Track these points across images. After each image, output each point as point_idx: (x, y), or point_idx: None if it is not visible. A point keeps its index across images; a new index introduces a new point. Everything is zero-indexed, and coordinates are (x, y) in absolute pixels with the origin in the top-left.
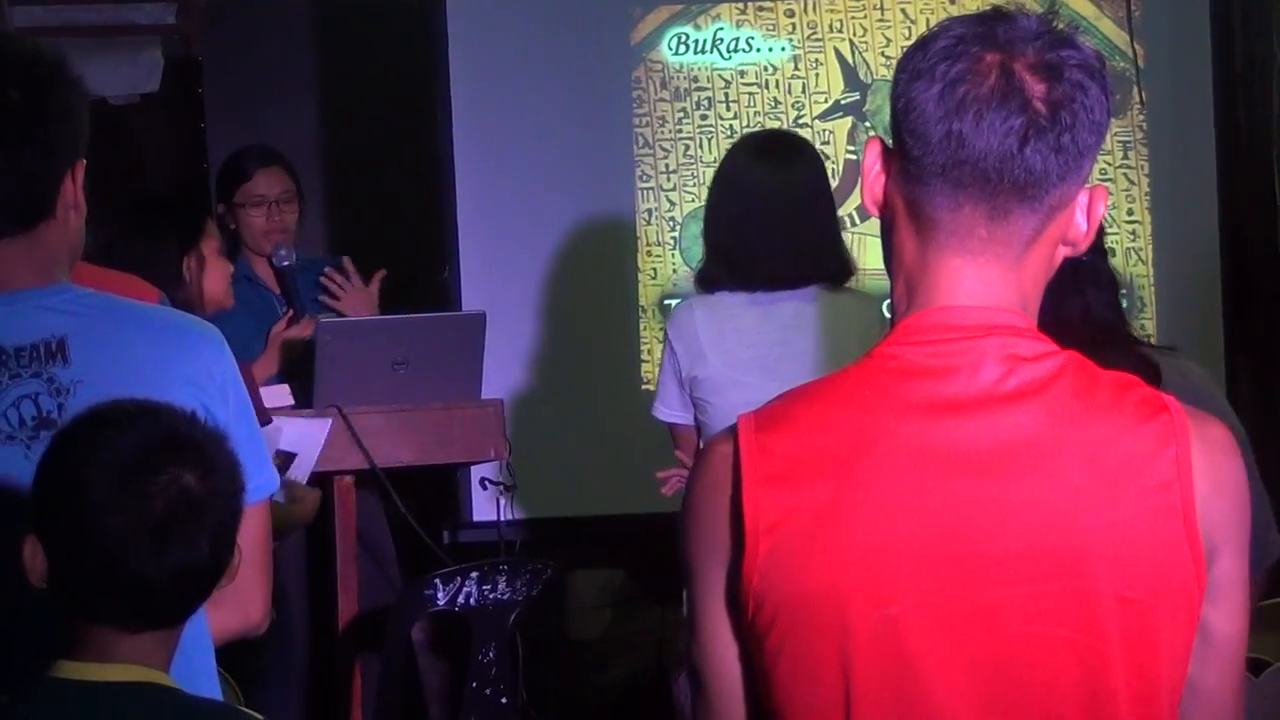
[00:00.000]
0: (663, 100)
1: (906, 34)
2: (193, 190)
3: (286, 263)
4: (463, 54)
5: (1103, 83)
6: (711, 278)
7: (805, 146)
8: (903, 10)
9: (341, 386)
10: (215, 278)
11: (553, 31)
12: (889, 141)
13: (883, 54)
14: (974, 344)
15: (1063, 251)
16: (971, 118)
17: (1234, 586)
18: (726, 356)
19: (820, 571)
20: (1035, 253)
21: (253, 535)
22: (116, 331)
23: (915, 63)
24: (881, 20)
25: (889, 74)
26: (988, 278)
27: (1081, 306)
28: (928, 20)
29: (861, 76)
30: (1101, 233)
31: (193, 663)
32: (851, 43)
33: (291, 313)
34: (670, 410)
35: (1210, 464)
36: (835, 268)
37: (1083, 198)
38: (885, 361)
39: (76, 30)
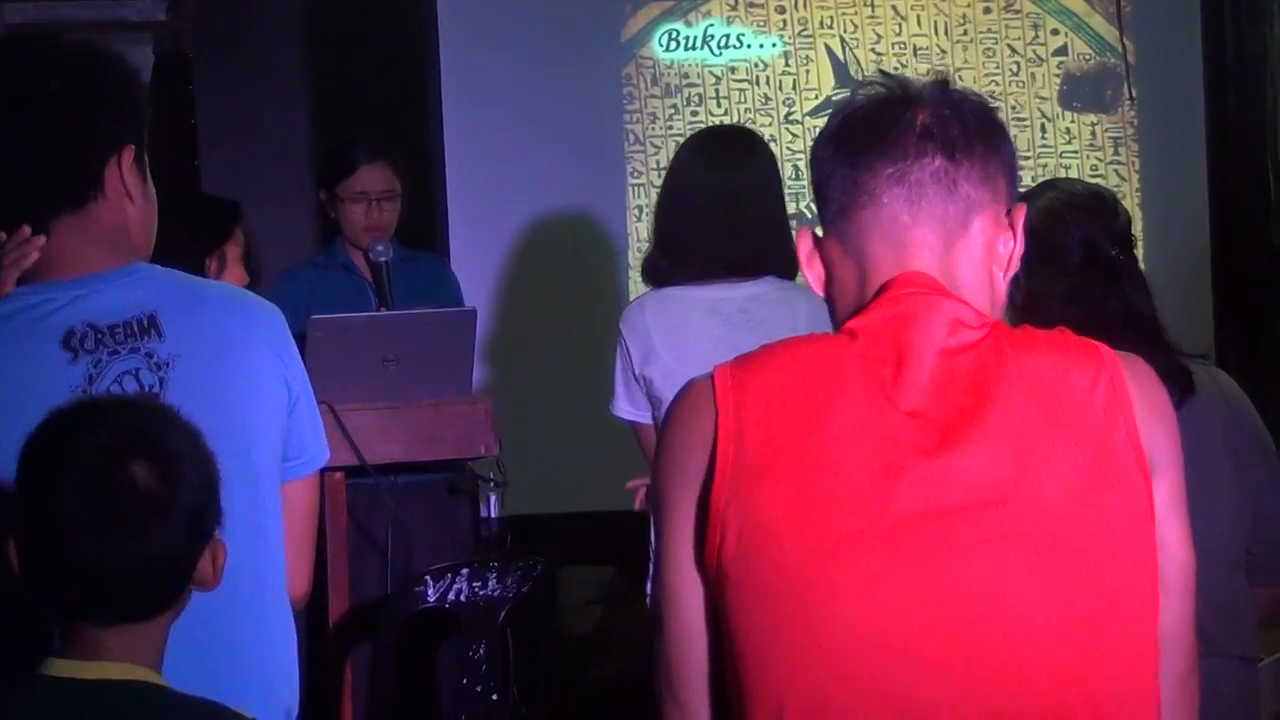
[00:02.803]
0: (654, 97)
1: (897, 30)
2: (223, 199)
3: (384, 259)
4: (453, 49)
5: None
6: (653, 267)
7: (755, 141)
8: (893, 7)
9: (332, 383)
10: (232, 282)
11: (544, 28)
12: (818, 230)
13: (873, 50)
14: (929, 299)
15: (998, 258)
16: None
17: (1176, 513)
18: (678, 352)
19: (779, 497)
20: (961, 246)
21: (301, 507)
22: (200, 306)
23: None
24: (872, 16)
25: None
26: (923, 262)
27: (1121, 303)
28: (918, 17)
29: (852, 73)
30: (1130, 232)
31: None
32: (842, 39)
33: (384, 308)
34: (632, 408)
35: (1144, 393)
36: (783, 260)
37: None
38: (849, 323)
39: (67, 26)
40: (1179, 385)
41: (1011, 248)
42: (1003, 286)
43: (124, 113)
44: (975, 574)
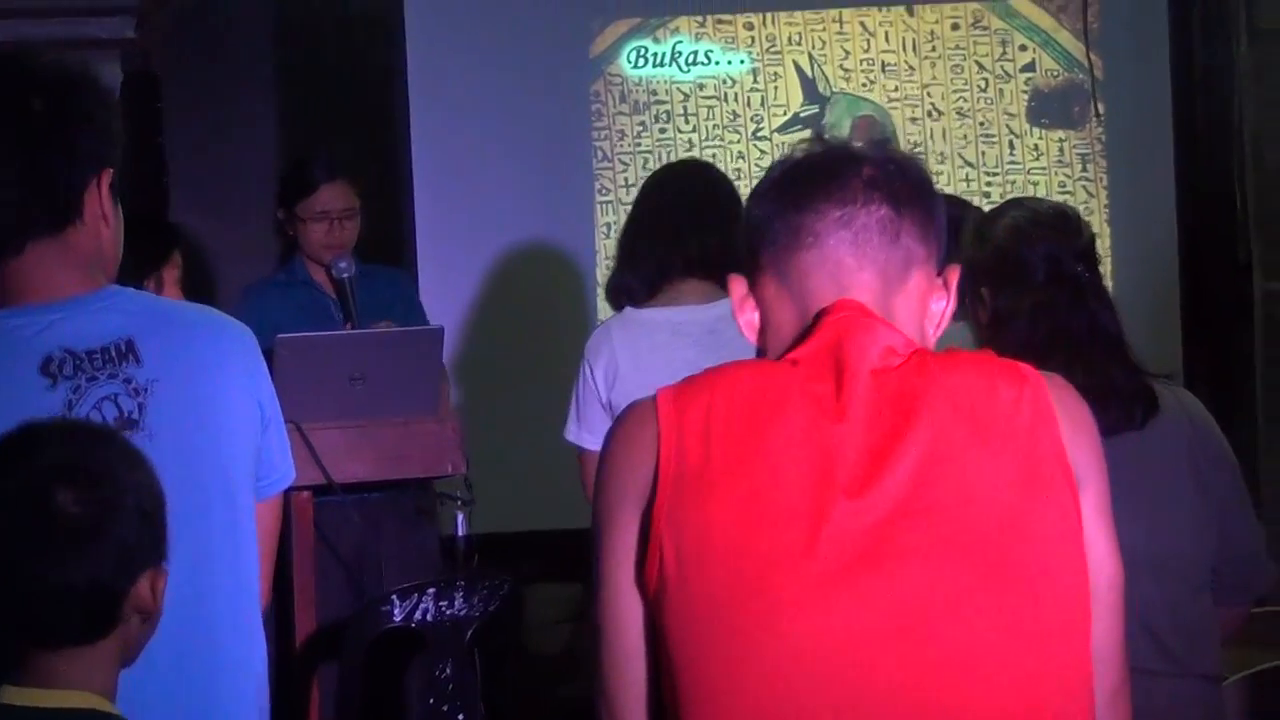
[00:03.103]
0: (622, 114)
1: (865, 46)
2: (166, 221)
3: (347, 274)
4: (421, 65)
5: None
6: (615, 285)
7: (712, 170)
8: (861, 23)
9: (300, 402)
10: None
11: (512, 44)
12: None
13: (841, 67)
14: (865, 321)
15: (931, 315)
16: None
17: (1102, 525)
18: (645, 374)
19: (720, 511)
20: (900, 296)
21: (266, 525)
22: (176, 330)
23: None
24: (840, 33)
25: (848, 87)
26: (863, 300)
27: (1087, 320)
28: (886, 33)
29: (820, 89)
30: (1094, 249)
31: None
32: (810, 55)
33: (350, 324)
34: (589, 435)
35: (1066, 408)
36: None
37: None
38: (790, 354)
39: (34, 44)
40: (1143, 404)
41: (944, 306)
42: (932, 343)
43: (104, 136)
44: (910, 583)
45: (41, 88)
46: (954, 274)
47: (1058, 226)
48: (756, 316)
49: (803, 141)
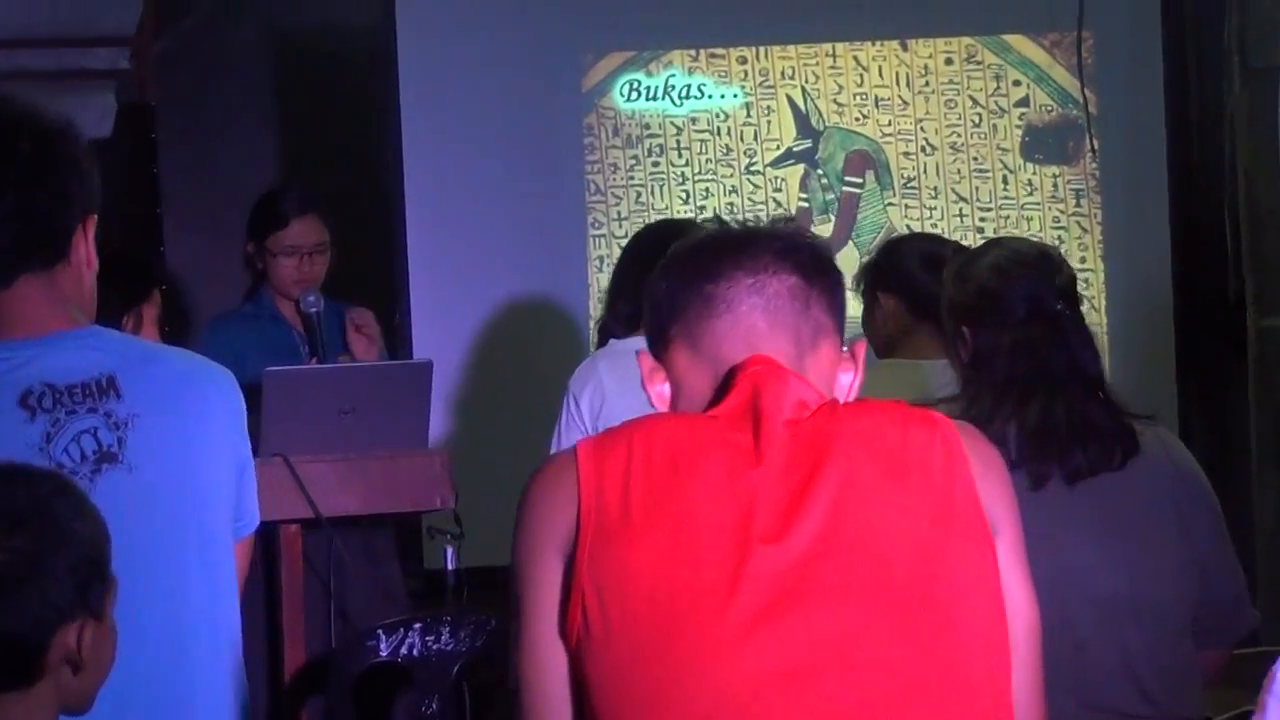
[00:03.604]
0: (614, 147)
1: (859, 80)
2: (148, 259)
3: (315, 309)
4: (415, 96)
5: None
6: (602, 326)
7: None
8: (855, 57)
9: (288, 434)
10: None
11: (504, 77)
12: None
13: (835, 100)
14: (779, 373)
15: (839, 387)
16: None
17: (1019, 570)
18: (630, 401)
19: (641, 555)
20: (811, 362)
21: (240, 566)
22: (156, 368)
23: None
24: (834, 67)
25: (841, 121)
26: (779, 358)
27: (1067, 359)
28: (880, 68)
29: (814, 123)
30: (1075, 288)
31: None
32: (804, 89)
33: (316, 359)
34: None
35: (978, 453)
36: None
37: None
38: (709, 413)
39: (29, 75)
40: (1123, 444)
41: (851, 379)
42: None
43: (88, 182)
44: (825, 623)
45: (29, 133)
46: (860, 347)
47: (1038, 265)
48: (667, 389)
49: (707, 221)
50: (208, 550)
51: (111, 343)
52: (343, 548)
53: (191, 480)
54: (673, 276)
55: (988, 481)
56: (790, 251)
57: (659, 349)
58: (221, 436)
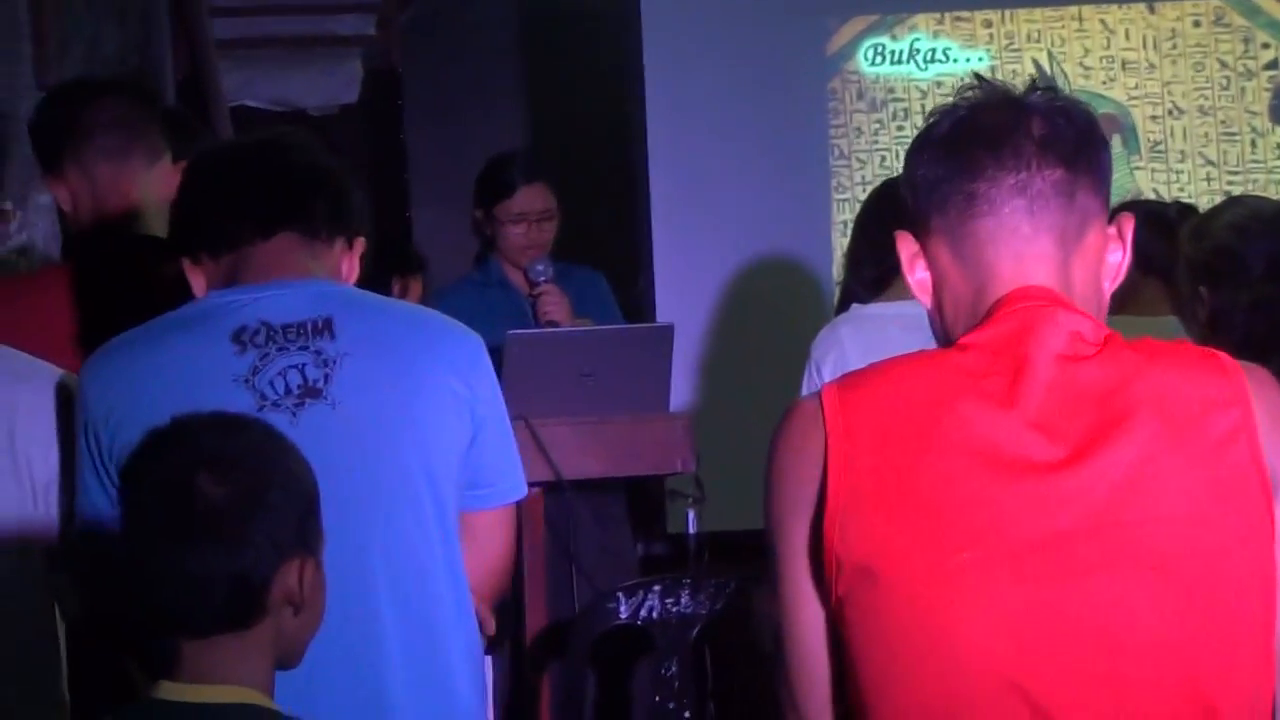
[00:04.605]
0: (859, 111)
1: (1105, 43)
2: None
3: (544, 278)
4: (658, 64)
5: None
6: (843, 290)
7: None
8: (1101, 20)
9: (529, 398)
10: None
11: (748, 43)
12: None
13: (1081, 64)
14: (1048, 310)
15: (1108, 269)
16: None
17: None
18: None
19: (893, 526)
20: (1077, 258)
21: (497, 537)
22: (381, 317)
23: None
24: (1080, 30)
25: (1088, 84)
26: (1042, 275)
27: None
28: (1127, 30)
29: (1060, 87)
30: None
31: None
32: (1050, 53)
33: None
34: None
35: (1268, 407)
36: None
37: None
38: (963, 338)
39: (276, 41)
40: None
41: (1120, 258)
42: (1107, 298)
43: (346, 203)
44: (1092, 599)
45: (298, 154)
46: (1127, 222)
47: (1277, 223)
48: (929, 277)
49: (968, 86)
50: (416, 487)
51: (340, 291)
52: (581, 510)
53: (400, 419)
54: (932, 163)
55: (1275, 438)
56: (1053, 141)
57: (919, 234)
58: (445, 393)
